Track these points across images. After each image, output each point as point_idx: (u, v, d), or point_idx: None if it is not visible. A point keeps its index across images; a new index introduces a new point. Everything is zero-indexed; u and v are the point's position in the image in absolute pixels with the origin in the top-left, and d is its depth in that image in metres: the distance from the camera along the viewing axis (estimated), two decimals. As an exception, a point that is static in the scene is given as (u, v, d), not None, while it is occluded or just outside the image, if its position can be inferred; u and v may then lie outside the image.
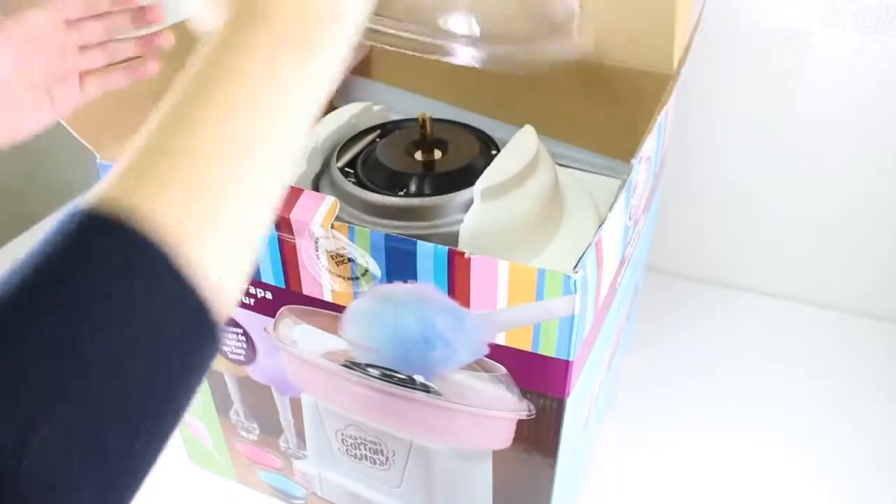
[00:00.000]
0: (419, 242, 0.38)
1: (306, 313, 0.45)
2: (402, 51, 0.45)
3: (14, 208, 1.28)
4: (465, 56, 0.44)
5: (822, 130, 0.71)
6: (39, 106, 0.42)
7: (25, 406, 0.20)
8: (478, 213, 0.50)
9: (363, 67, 0.71)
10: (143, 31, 0.41)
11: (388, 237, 0.39)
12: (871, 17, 0.64)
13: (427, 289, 0.39)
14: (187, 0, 0.41)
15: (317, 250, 0.41)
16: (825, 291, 0.79)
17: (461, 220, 0.50)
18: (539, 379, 0.40)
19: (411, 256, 0.39)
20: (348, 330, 0.44)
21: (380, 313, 0.43)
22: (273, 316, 0.47)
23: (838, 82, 0.68)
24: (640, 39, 0.59)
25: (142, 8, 0.40)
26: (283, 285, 0.44)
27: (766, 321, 0.78)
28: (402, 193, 0.53)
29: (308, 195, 0.40)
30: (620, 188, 0.40)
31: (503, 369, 0.41)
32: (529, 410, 0.42)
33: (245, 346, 0.50)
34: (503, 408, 0.43)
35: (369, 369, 0.45)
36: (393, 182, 0.54)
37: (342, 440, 0.51)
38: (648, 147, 0.45)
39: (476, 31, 0.47)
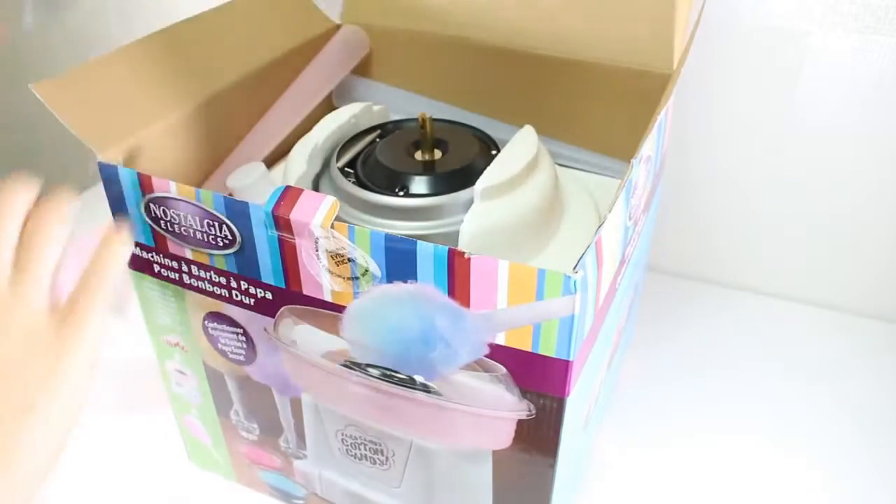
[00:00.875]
0: (419, 242, 0.38)
1: (306, 313, 0.45)
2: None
3: (14, 208, 1.28)
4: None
5: (822, 130, 0.71)
6: None
7: None
8: (478, 213, 0.50)
9: (363, 67, 0.71)
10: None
11: (388, 237, 0.39)
12: (871, 17, 0.64)
13: (427, 289, 0.39)
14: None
15: (317, 250, 0.41)
16: (825, 291, 0.79)
17: (461, 220, 0.50)
18: (539, 379, 0.40)
19: (411, 256, 0.39)
20: (348, 330, 0.44)
21: (380, 313, 0.43)
22: (273, 316, 0.47)
23: (838, 82, 0.68)
24: (639, 39, 0.59)
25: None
26: (283, 285, 0.44)
27: (766, 321, 0.78)
28: (402, 193, 0.53)
29: (308, 195, 0.40)
30: (620, 188, 0.40)
31: (503, 369, 0.41)
32: (529, 410, 0.42)
33: (245, 346, 0.50)
34: (503, 408, 0.43)
35: (369, 369, 0.45)
36: (393, 182, 0.54)
37: (342, 440, 0.51)
38: (648, 147, 0.45)
39: None
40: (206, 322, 0.50)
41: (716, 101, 0.73)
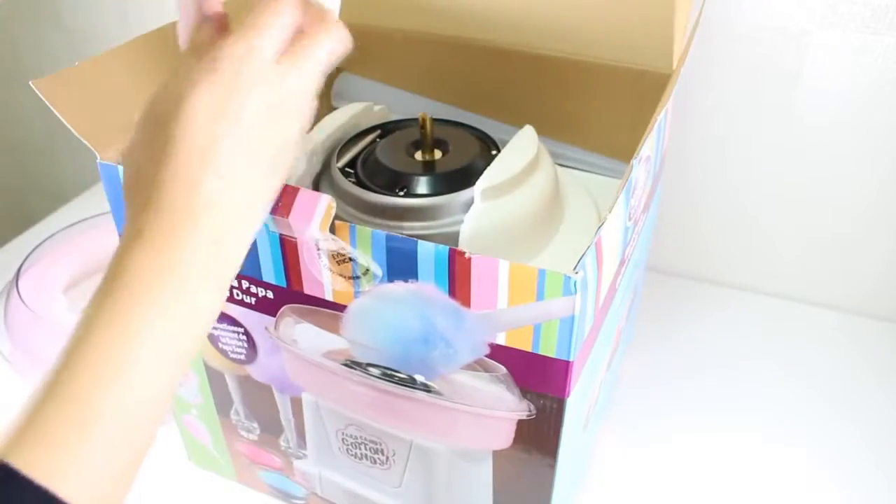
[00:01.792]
0: (420, 242, 0.38)
1: (307, 312, 0.45)
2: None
3: (14, 208, 1.28)
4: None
5: (822, 130, 0.71)
6: None
7: None
8: (478, 213, 0.50)
9: (363, 67, 0.71)
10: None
11: (388, 237, 0.39)
12: (871, 17, 0.64)
13: (428, 288, 0.39)
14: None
15: (318, 249, 0.41)
16: (825, 291, 0.80)
17: (461, 220, 0.50)
18: (539, 379, 0.40)
19: (412, 256, 0.39)
20: (349, 329, 0.44)
21: (381, 313, 0.43)
22: (274, 315, 0.47)
23: (838, 82, 0.68)
24: (639, 39, 0.59)
25: None
26: (284, 284, 0.44)
27: (766, 321, 0.78)
28: (402, 193, 0.53)
29: (304, 195, 0.40)
30: (620, 188, 0.40)
31: (503, 369, 0.41)
32: (530, 410, 0.42)
33: (246, 345, 0.50)
34: (503, 408, 0.43)
35: (370, 369, 0.45)
36: (393, 182, 0.54)
37: (342, 440, 0.51)
38: (648, 147, 0.45)
39: None
40: (206, 322, 0.50)
41: (716, 101, 0.73)
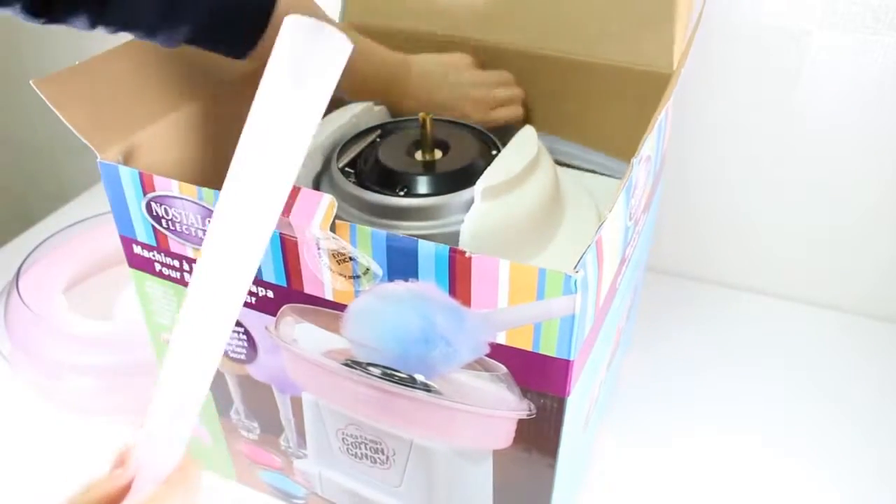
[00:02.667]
0: (420, 241, 0.38)
1: (307, 312, 0.45)
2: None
3: (14, 208, 1.28)
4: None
5: (822, 130, 0.71)
6: None
7: None
8: (478, 212, 0.50)
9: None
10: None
11: (389, 236, 0.39)
12: (871, 17, 0.64)
13: (428, 288, 0.39)
14: None
15: (318, 248, 0.41)
16: (825, 291, 0.80)
17: (462, 220, 0.50)
18: (539, 378, 0.40)
19: (413, 256, 0.39)
20: (349, 329, 0.44)
21: (381, 312, 0.43)
22: (274, 314, 0.47)
23: (838, 82, 0.68)
24: (640, 39, 0.59)
25: None
26: (284, 283, 0.44)
27: (766, 321, 0.78)
28: (402, 193, 0.53)
29: (305, 194, 0.40)
30: (620, 188, 0.40)
31: (504, 369, 0.41)
32: (530, 410, 0.42)
33: (246, 344, 0.50)
34: (504, 407, 0.43)
35: (370, 368, 0.45)
36: (393, 182, 0.54)
37: (342, 439, 0.51)
38: (648, 147, 0.45)
39: None
40: (206, 321, 0.50)
41: (716, 100, 0.73)
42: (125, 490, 0.37)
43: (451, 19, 0.66)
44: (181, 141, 0.54)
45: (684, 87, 0.70)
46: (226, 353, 0.51)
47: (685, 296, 0.81)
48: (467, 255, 0.37)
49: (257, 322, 0.48)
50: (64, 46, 1.06)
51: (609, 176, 0.64)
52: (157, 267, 0.49)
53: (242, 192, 0.35)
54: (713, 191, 0.79)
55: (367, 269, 0.40)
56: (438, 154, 0.57)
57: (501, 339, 0.40)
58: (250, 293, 0.46)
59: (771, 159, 0.74)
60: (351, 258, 0.40)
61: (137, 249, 0.49)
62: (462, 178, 0.54)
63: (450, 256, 0.38)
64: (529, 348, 0.39)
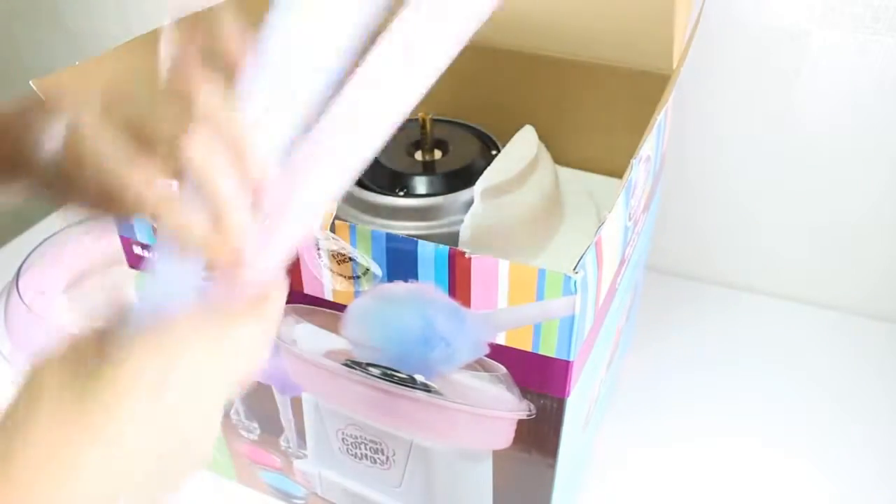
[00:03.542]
0: (420, 242, 0.38)
1: (307, 312, 0.45)
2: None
3: (14, 208, 1.28)
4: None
5: (822, 130, 0.71)
6: None
7: None
8: (478, 213, 0.50)
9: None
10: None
11: (388, 236, 0.39)
12: (871, 17, 0.64)
13: (428, 288, 0.39)
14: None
15: (318, 249, 0.41)
16: (825, 291, 0.80)
17: (462, 220, 0.50)
18: (539, 379, 0.40)
19: (412, 256, 0.39)
20: (349, 329, 0.44)
21: (381, 313, 0.43)
22: (273, 315, 0.47)
23: (838, 82, 0.68)
24: (639, 40, 0.59)
25: None
26: (283, 285, 0.44)
27: (766, 321, 0.78)
28: (402, 193, 0.53)
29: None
30: (620, 188, 0.40)
31: (503, 369, 0.41)
32: (529, 410, 0.42)
33: (245, 345, 0.50)
34: (503, 408, 0.43)
35: (370, 368, 0.45)
36: (393, 182, 0.54)
37: (342, 439, 0.51)
38: (648, 147, 0.45)
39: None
40: (206, 322, 0.50)
41: (716, 101, 0.73)
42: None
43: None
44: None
45: (684, 88, 0.70)
46: (226, 354, 0.51)
47: (685, 296, 0.81)
48: (467, 255, 0.37)
49: (257, 322, 0.48)
50: (63, 47, 1.06)
51: (609, 176, 0.64)
52: (157, 267, 0.49)
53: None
54: (713, 190, 0.79)
55: (367, 270, 0.40)
56: (438, 154, 0.57)
57: (501, 339, 0.40)
58: (250, 293, 0.46)
59: (771, 159, 0.74)
60: (350, 259, 0.40)
61: (137, 250, 0.49)
62: (462, 178, 0.54)
63: (449, 257, 0.38)
64: (529, 349, 0.39)
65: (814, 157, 0.73)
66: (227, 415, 0.56)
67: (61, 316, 0.67)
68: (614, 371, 0.63)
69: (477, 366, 0.42)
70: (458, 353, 0.41)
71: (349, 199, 0.53)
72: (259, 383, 0.52)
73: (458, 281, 0.38)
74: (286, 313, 0.46)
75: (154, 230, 0.47)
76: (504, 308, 0.38)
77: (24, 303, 0.65)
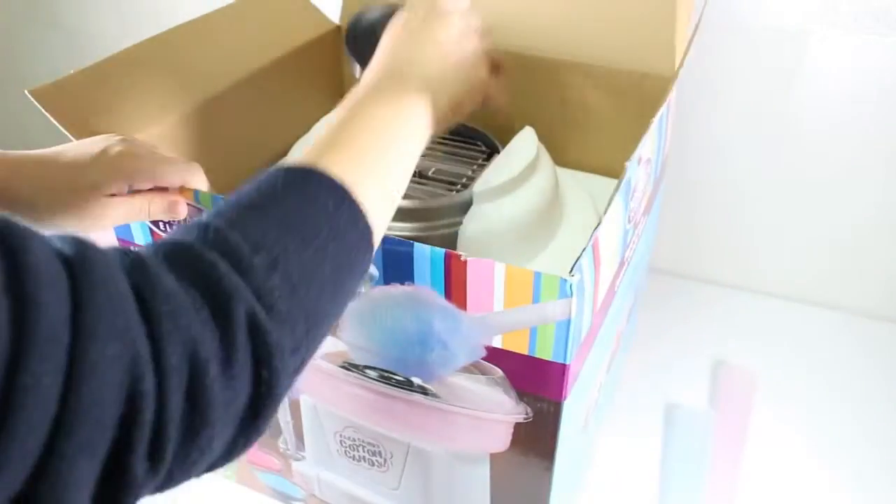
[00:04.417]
0: (416, 244, 0.38)
1: (304, 315, 0.45)
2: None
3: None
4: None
5: (822, 130, 0.71)
6: None
7: (265, 256, 0.28)
8: (477, 214, 0.50)
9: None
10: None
11: (385, 238, 0.39)
12: (871, 17, 0.64)
13: (424, 291, 0.39)
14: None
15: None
16: (825, 291, 0.79)
17: (460, 222, 0.50)
18: (536, 382, 0.40)
19: (408, 258, 0.39)
20: (346, 331, 0.44)
21: (378, 315, 0.43)
22: (271, 317, 0.46)
23: (838, 82, 0.68)
24: (641, 42, 0.59)
25: (174, 201, 0.43)
26: (281, 287, 0.44)
27: (766, 321, 0.78)
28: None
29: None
30: (616, 189, 0.40)
31: (500, 372, 0.41)
32: (526, 413, 0.42)
33: (243, 347, 0.49)
34: (500, 411, 0.43)
35: (367, 371, 0.45)
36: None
37: (340, 442, 0.51)
38: (646, 149, 0.45)
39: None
40: (204, 323, 0.50)
41: (716, 101, 0.73)
42: None
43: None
44: (175, 146, 0.54)
45: (685, 89, 0.70)
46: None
47: (685, 296, 0.81)
48: (462, 258, 0.37)
49: (255, 324, 0.48)
50: (62, 48, 1.06)
51: (609, 177, 0.64)
52: (155, 269, 0.49)
53: None
54: (714, 191, 0.78)
55: (364, 272, 0.40)
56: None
57: (497, 342, 0.40)
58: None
59: (771, 160, 0.74)
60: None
61: (135, 251, 0.49)
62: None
63: (445, 259, 0.37)
64: (525, 352, 0.39)
65: (814, 157, 0.73)
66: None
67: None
68: (615, 373, 0.63)
69: (474, 369, 0.41)
70: (454, 355, 0.41)
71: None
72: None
73: (454, 283, 0.38)
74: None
75: (151, 232, 0.47)
76: (500, 311, 0.38)
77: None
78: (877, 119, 0.68)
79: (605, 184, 0.63)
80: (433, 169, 0.56)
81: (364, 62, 0.46)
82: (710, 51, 0.69)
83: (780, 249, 0.79)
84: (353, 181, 0.33)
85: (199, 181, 0.44)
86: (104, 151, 0.42)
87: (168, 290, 0.25)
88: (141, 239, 0.48)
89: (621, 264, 0.46)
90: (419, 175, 0.56)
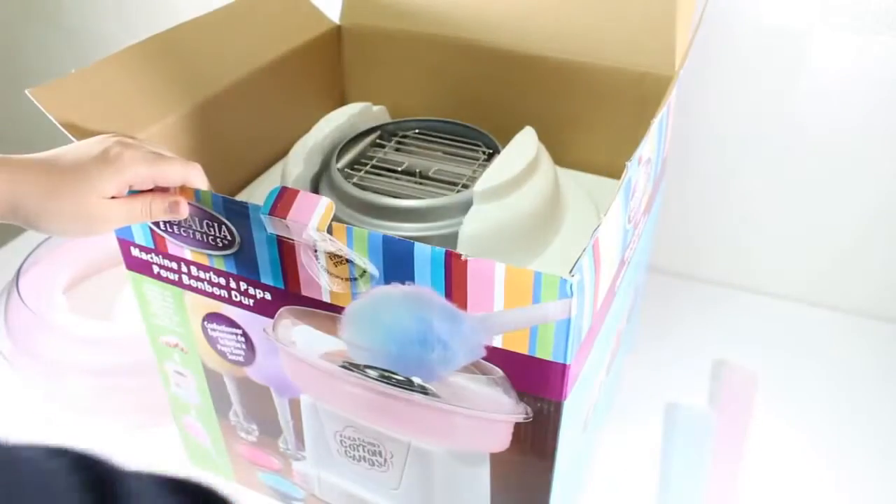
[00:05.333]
0: (416, 244, 0.38)
1: (305, 314, 0.45)
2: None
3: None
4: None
5: (822, 130, 0.71)
6: None
7: None
8: (477, 215, 0.50)
9: (363, 67, 0.71)
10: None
11: (385, 238, 0.39)
12: (871, 17, 0.64)
13: (425, 291, 0.39)
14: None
15: (315, 251, 0.41)
16: (825, 292, 0.79)
17: (461, 222, 0.50)
18: (536, 382, 0.40)
19: (409, 258, 0.39)
20: (347, 331, 0.44)
21: (378, 315, 0.43)
22: (272, 316, 0.47)
23: (838, 82, 0.68)
24: (641, 42, 0.59)
25: (175, 201, 0.44)
26: (281, 286, 0.44)
27: (766, 321, 0.78)
28: (401, 195, 0.53)
29: (304, 197, 0.40)
30: (618, 190, 0.40)
31: (500, 372, 0.41)
32: (527, 413, 0.42)
33: (244, 346, 0.50)
34: (500, 411, 0.43)
35: (367, 370, 0.45)
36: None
37: (341, 441, 0.51)
38: (647, 149, 0.45)
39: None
40: (205, 323, 0.50)
41: (717, 101, 0.73)
42: None
43: (452, 21, 0.65)
44: (175, 145, 0.54)
45: (685, 89, 0.70)
46: (224, 356, 0.51)
47: (685, 296, 0.81)
48: (463, 257, 0.37)
49: (255, 324, 0.48)
50: (63, 47, 1.06)
51: (609, 177, 0.64)
52: (155, 269, 0.49)
53: None
54: (714, 191, 0.78)
55: (364, 272, 0.40)
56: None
57: (498, 342, 0.40)
58: (248, 295, 0.46)
59: (771, 159, 0.74)
60: (348, 260, 0.40)
61: (135, 252, 0.49)
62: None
63: (445, 259, 0.37)
64: (525, 352, 0.39)
65: (814, 157, 0.73)
66: (226, 417, 0.56)
67: (61, 316, 0.67)
68: (615, 373, 0.63)
69: (474, 368, 0.41)
70: (455, 355, 0.41)
71: (348, 201, 0.53)
72: (257, 385, 0.52)
73: (454, 283, 0.38)
74: (284, 316, 0.46)
75: (152, 232, 0.47)
76: (500, 311, 0.38)
77: (24, 303, 0.65)
78: (877, 119, 0.68)
79: (605, 184, 0.63)
80: (434, 169, 0.56)
81: None
82: (711, 51, 0.69)
83: (780, 249, 0.79)
84: None
85: (200, 181, 0.44)
86: (104, 153, 0.42)
87: None
88: (142, 239, 0.48)
89: (621, 264, 0.46)
90: (420, 175, 0.56)
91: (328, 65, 0.70)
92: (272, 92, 0.63)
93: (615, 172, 0.64)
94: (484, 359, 0.41)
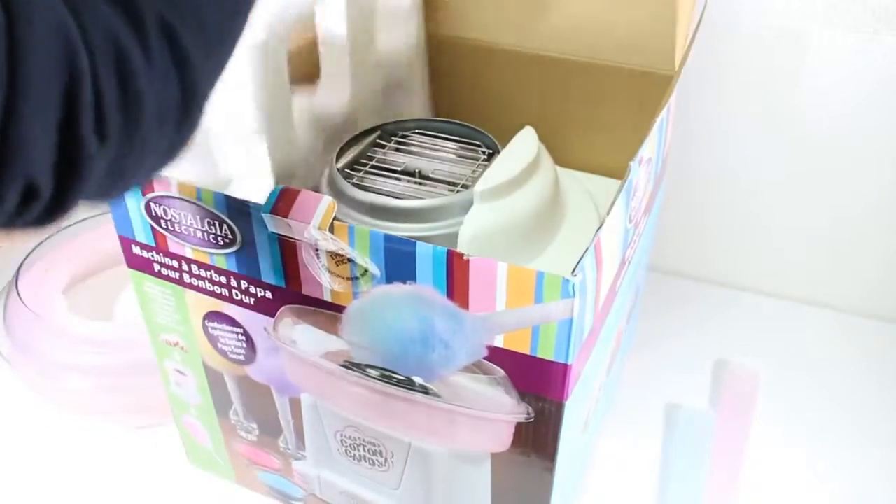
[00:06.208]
0: (418, 243, 0.38)
1: (306, 313, 0.45)
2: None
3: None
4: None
5: (823, 130, 0.71)
6: None
7: None
8: (478, 214, 0.50)
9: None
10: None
11: (387, 237, 0.39)
12: (871, 17, 0.64)
13: (426, 290, 0.39)
14: None
15: (316, 250, 0.41)
16: (826, 291, 0.79)
17: (461, 222, 0.50)
18: (537, 382, 0.40)
19: (410, 257, 0.39)
20: (348, 330, 0.44)
21: (379, 314, 0.43)
22: (273, 315, 0.47)
23: (838, 82, 0.68)
24: (642, 41, 0.59)
25: None
26: (282, 284, 0.44)
27: (767, 321, 0.78)
28: (401, 195, 0.53)
29: (306, 195, 0.40)
30: (619, 190, 0.40)
31: (501, 372, 0.41)
32: (528, 413, 0.42)
33: (245, 345, 0.50)
34: (502, 410, 0.43)
35: (368, 370, 0.45)
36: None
37: (341, 441, 0.51)
38: (648, 149, 0.45)
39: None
40: (205, 321, 0.50)
41: (717, 101, 0.73)
42: None
43: (453, 21, 0.66)
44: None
45: (686, 89, 0.70)
46: (225, 354, 0.51)
47: (685, 296, 0.81)
48: (465, 257, 0.37)
49: (256, 323, 0.48)
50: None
51: (610, 177, 0.64)
52: (156, 267, 0.49)
53: None
54: (713, 191, 0.79)
55: (366, 271, 0.40)
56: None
57: (499, 342, 0.40)
58: (249, 294, 0.46)
59: (771, 159, 0.74)
60: (349, 259, 0.40)
61: (136, 250, 0.49)
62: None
63: (447, 258, 0.37)
64: (527, 352, 0.39)
65: (814, 157, 0.73)
66: (226, 416, 0.56)
67: (61, 316, 0.67)
68: (615, 374, 0.63)
69: (475, 368, 0.41)
70: (456, 355, 0.41)
71: (348, 201, 0.53)
72: (258, 384, 0.52)
73: (456, 282, 0.38)
74: (284, 315, 0.46)
75: (153, 230, 0.47)
76: (502, 310, 0.38)
77: (24, 303, 0.65)
78: (877, 119, 0.68)
79: (606, 184, 0.63)
80: (434, 169, 0.56)
81: None
82: (711, 50, 0.69)
83: (780, 249, 0.79)
84: None
85: None
86: None
87: None
88: (143, 237, 0.48)
89: (622, 264, 0.46)
90: (419, 175, 0.56)
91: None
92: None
93: (615, 172, 0.64)
94: (485, 358, 0.41)
